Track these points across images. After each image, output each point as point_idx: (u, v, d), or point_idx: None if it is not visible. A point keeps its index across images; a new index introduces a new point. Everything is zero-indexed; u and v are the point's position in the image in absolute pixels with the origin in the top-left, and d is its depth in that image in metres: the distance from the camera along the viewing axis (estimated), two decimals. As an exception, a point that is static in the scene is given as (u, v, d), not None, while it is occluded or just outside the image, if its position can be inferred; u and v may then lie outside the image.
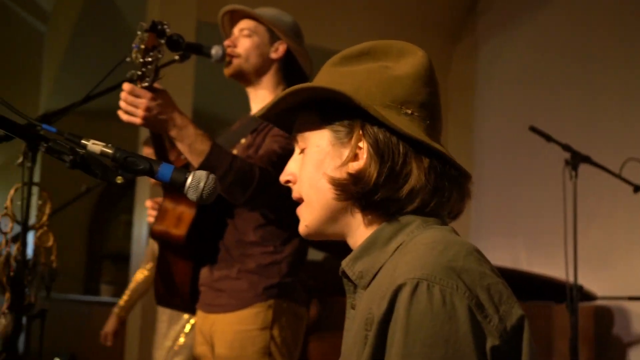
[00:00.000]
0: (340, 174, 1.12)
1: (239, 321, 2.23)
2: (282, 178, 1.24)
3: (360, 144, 1.11)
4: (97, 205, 9.19)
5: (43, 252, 1.99)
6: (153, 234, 2.31)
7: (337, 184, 1.12)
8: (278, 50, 2.40)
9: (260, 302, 2.23)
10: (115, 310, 3.74)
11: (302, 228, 1.21)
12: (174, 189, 2.27)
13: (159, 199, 2.39)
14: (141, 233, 4.89)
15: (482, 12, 6.27)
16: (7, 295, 1.90)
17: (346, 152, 1.13)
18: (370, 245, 1.12)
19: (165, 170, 1.16)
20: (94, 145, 1.15)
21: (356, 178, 1.10)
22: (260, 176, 2.08)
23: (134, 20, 6.29)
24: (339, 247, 3.94)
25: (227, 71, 2.38)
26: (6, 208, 1.92)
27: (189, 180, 1.16)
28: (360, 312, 1.07)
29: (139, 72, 1.97)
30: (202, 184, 1.16)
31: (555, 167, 3.54)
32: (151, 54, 1.95)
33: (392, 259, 1.08)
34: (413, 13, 6.05)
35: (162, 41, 2.00)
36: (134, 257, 5.05)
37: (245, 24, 2.41)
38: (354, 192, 1.11)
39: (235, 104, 6.86)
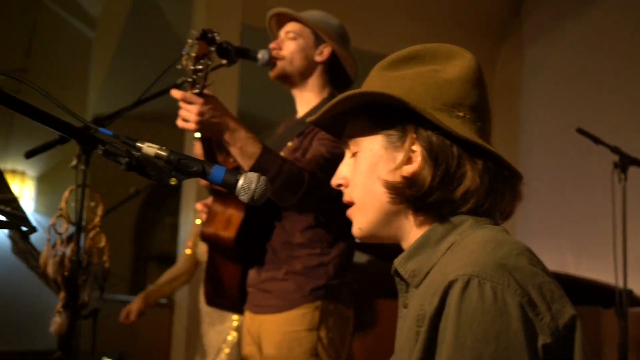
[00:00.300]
0: (394, 178, 1.14)
1: (287, 322, 2.25)
2: (334, 182, 1.25)
3: (414, 148, 1.12)
4: (142, 207, 9.32)
5: (96, 253, 2.04)
6: (203, 236, 2.35)
7: (392, 188, 1.13)
8: (323, 53, 2.42)
9: (308, 303, 2.25)
10: (142, 295, 3.72)
11: (356, 231, 1.23)
12: (223, 191, 2.31)
13: (208, 201, 2.43)
14: (187, 235, 4.95)
15: (528, 13, 6.20)
16: (62, 294, 1.95)
17: (399, 156, 1.14)
18: (422, 244, 1.13)
19: (218, 172, 1.18)
20: (149, 148, 1.18)
21: (411, 181, 1.11)
22: (309, 179, 2.10)
23: (179, 25, 6.39)
24: (383, 250, 3.92)
25: (272, 73, 2.41)
26: (61, 209, 1.97)
27: (241, 182, 1.18)
28: (412, 310, 1.08)
29: (190, 79, 2.01)
30: (253, 186, 1.18)
31: (603, 169, 3.48)
32: (201, 61, 1.99)
33: (443, 258, 1.09)
34: (457, 15, 6.02)
35: (212, 48, 2.04)
36: (180, 259, 5.11)
37: (291, 27, 2.44)
38: (408, 195, 1.12)
39: (279, 107, 6.92)
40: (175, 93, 2.03)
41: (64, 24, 8.34)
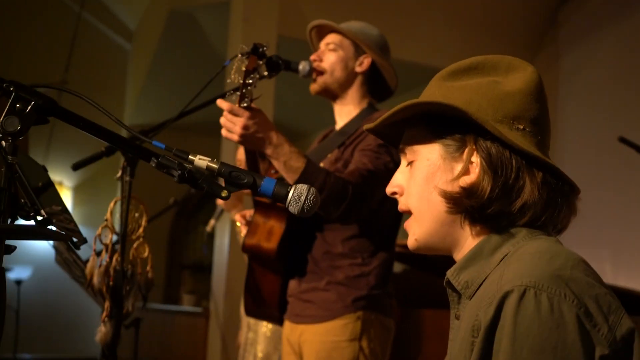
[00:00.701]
0: (452, 188, 1.14)
1: (328, 332, 2.25)
2: (389, 190, 1.25)
3: (473, 159, 1.12)
4: (176, 216, 9.41)
5: (139, 263, 2.07)
6: (244, 248, 2.36)
7: (450, 198, 1.14)
8: (363, 64, 2.43)
9: (349, 313, 2.25)
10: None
11: (412, 242, 1.23)
12: (265, 202, 2.32)
13: (246, 212, 2.44)
14: (223, 244, 4.99)
15: (563, 22, 6.14)
16: (107, 304, 1.97)
17: (457, 166, 1.14)
18: (475, 255, 1.13)
19: (268, 184, 1.19)
20: (200, 160, 1.20)
21: (469, 192, 1.11)
22: (352, 192, 2.11)
23: (215, 37, 6.46)
24: (420, 260, 3.88)
25: (314, 87, 2.43)
26: (106, 220, 2.00)
27: (291, 193, 1.19)
28: (466, 320, 1.08)
29: (239, 93, 2.03)
30: (303, 197, 1.19)
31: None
32: (252, 75, 2.02)
33: (497, 269, 1.09)
34: (493, 24, 5.99)
35: (261, 62, 2.06)
36: (215, 268, 5.15)
37: (331, 39, 2.45)
38: (467, 205, 1.12)
39: (312, 117, 6.95)
40: (222, 104, 2.05)
41: (102, 37, 8.47)
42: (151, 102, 7.91)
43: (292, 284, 2.39)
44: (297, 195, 1.19)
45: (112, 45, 8.69)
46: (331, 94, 2.45)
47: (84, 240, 1.40)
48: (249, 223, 2.59)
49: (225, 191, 1.19)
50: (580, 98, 5.93)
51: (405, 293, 3.72)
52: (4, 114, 1.13)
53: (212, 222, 3.75)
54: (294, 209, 1.20)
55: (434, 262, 4.15)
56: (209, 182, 1.19)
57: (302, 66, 2.35)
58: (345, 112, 2.47)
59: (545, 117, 1.17)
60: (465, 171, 1.13)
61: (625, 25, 5.54)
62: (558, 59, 6.14)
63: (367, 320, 2.26)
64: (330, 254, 2.32)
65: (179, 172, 1.17)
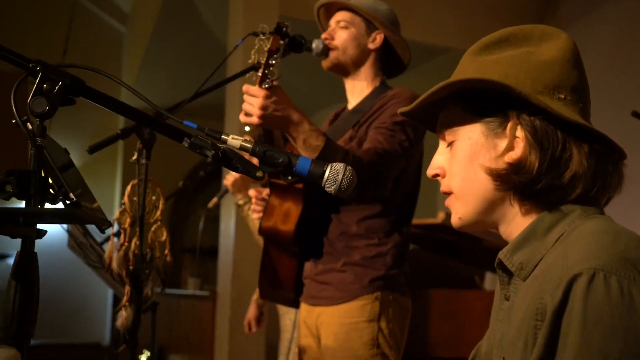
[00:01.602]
0: (498, 165, 1.11)
1: (346, 313, 2.24)
2: (430, 172, 1.23)
3: (517, 133, 1.09)
4: (175, 200, 9.37)
5: (158, 247, 2.04)
6: (261, 230, 2.34)
7: (497, 175, 1.11)
8: (375, 41, 2.39)
9: (367, 294, 2.23)
10: (254, 297, 3.74)
11: (456, 220, 1.20)
12: (281, 184, 2.30)
13: (262, 189, 2.42)
14: (229, 227, 4.96)
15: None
16: (127, 288, 1.95)
17: (501, 143, 1.11)
18: (529, 235, 1.11)
19: (304, 163, 1.17)
20: (234, 140, 1.17)
21: (517, 167, 1.08)
22: (369, 172, 2.08)
23: (213, 19, 6.39)
24: (429, 240, 3.87)
25: (325, 64, 2.39)
26: (123, 204, 1.98)
27: (327, 172, 1.16)
28: (524, 302, 1.06)
29: (260, 74, 2.00)
30: (340, 176, 1.16)
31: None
32: (275, 56, 1.98)
33: (553, 249, 1.07)
34: (492, 2, 5.95)
35: (282, 42, 2.03)
36: (222, 251, 5.13)
37: (341, 16, 2.41)
38: (516, 181, 1.09)
39: (312, 96, 6.90)
40: (244, 88, 2.02)
41: (98, 20, 8.40)
42: (148, 86, 7.84)
43: (308, 266, 2.37)
44: (334, 174, 1.16)
45: (107, 28, 8.62)
46: (343, 71, 2.41)
47: (109, 224, 1.37)
48: (263, 203, 2.57)
49: (260, 171, 1.16)
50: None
51: (415, 273, 3.72)
52: (31, 94, 1.10)
53: (214, 200, 3.73)
54: (330, 188, 1.17)
55: (442, 242, 4.14)
56: (243, 162, 1.16)
57: (315, 44, 2.31)
58: (358, 89, 2.43)
59: (585, 84, 1.14)
60: (510, 147, 1.10)
61: (625, 4, 5.50)
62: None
63: (385, 301, 2.25)
64: (346, 234, 2.29)
65: (213, 152, 1.14)
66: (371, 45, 2.39)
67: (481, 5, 5.88)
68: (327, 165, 1.17)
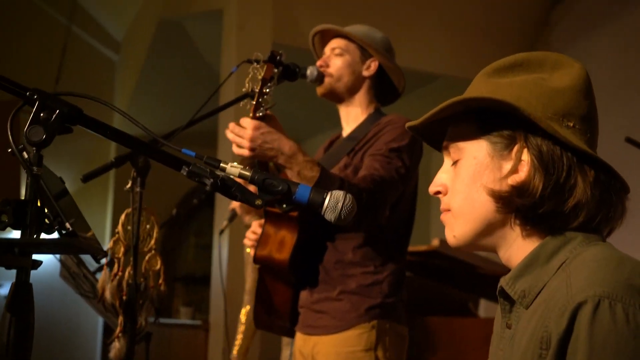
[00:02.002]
0: (501, 186, 1.11)
1: (342, 342, 2.21)
2: (432, 189, 1.22)
3: (523, 156, 1.09)
4: (167, 227, 9.33)
5: (152, 276, 2.02)
6: (256, 259, 2.32)
7: (499, 197, 1.10)
8: (370, 68, 2.40)
9: (363, 322, 2.21)
10: (234, 355, 3.67)
11: (450, 238, 1.19)
12: (275, 212, 2.28)
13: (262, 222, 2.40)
14: (222, 255, 4.93)
15: (555, 23, 6.16)
16: (120, 319, 1.92)
17: (506, 164, 1.11)
18: (531, 262, 1.10)
19: (303, 191, 1.15)
20: (232, 168, 1.16)
21: (520, 190, 1.08)
22: (367, 199, 2.07)
23: (205, 46, 6.41)
24: (422, 267, 3.83)
25: (320, 90, 2.39)
26: (117, 233, 1.95)
27: (327, 200, 1.15)
28: (527, 331, 1.05)
29: (254, 102, 1.99)
30: (340, 204, 1.15)
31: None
32: (269, 84, 1.98)
33: (556, 277, 1.06)
34: (485, 27, 6.00)
35: (276, 70, 2.03)
36: (214, 280, 5.09)
37: (336, 43, 2.42)
38: (519, 204, 1.09)
39: (306, 122, 6.91)
40: (232, 124, 2.01)
41: (90, 49, 8.42)
42: (141, 113, 7.83)
43: (304, 295, 2.35)
44: (334, 202, 1.15)
45: (100, 56, 8.64)
46: (338, 98, 2.41)
47: (104, 254, 1.35)
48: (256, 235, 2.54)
49: (259, 200, 1.14)
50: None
51: (409, 300, 3.70)
52: (28, 123, 1.09)
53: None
54: (330, 216, 1.15)
55: (436, 269, 4.12)
56: (242, 190, 1.14)
57: (310, 71, 2.32)
58: (352, 116, 2.43)
59: (594, 115, 1.14)
60: (515, 169, 1.09)
61: (616, 26, 5.56)
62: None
63: (382, 329, 2.22)
64: (342, 262, 2.27)
65: (211, 180, 1.13)
66: (366, 73, 2.40)
67: (475, 32, 5.93)
68: (327, 193, 1.16)
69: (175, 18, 6.29)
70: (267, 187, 1.15)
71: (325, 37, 2.47)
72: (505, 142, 1.11)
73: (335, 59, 2.39)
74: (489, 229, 1.14)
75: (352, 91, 2.40)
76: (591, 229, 1.09)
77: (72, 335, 8.44)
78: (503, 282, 1.13)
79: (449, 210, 1.19)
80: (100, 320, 8.24)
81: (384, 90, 2.46)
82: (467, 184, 1.15)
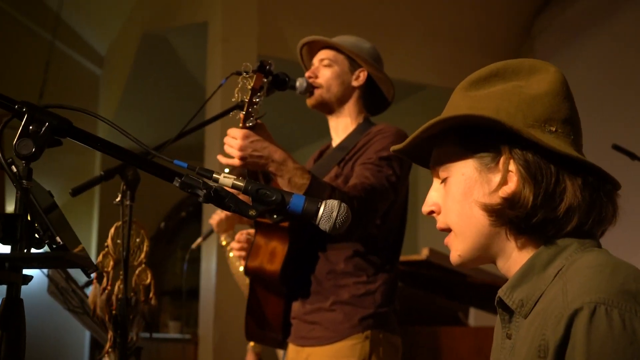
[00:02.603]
0: (493, 200, 1.10)
1: (336, 353, 2.19)
2: (425, 209, 1.21)
3: (510, 167, 1.09)
4: (153, 241, 9.26)
5: (142, 290, 1.99)
6: (247, 271, 2.30)
7: (492, 210, 1.10)
8: (359, 78, 2.40)
9: (357, 333, 2.19)
10: (250, 345, 3.65)
11: (455, 258, 1.19)
12: (266, 223, 2.26)
13: (251, 231, 2.39)
14: (210, 268, 4.90)
15: (539, 33, 6.20)
16: (110, 334, 1.90)
17: (494, 178, 1.11)
18: (527, 271, 1.10)
19: (297, 200, 1.14)
20: (225, 179, 1.14)
21: (511, 202, 1.08)
22: (358, 207, 2.06)
23: (190, 59, 6.39)
24: (411, 277, 3.81)
25: (310, 102, 2.38)
26: (106, 246, 1.93)
27: (322, 210, 1.14)
28: (526, 340, 1.04)
29: (244, 112, 1.99)
30: (335, 213, 1.14)
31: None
32: (259, 94, 1.97)
33: (553, 284, 1.05)
34: (470, 37, 6.04)
35: (266, 80, 2.03)
36: (203, 293, 5.05)
37: (324, 54, 2.42)
38: (511, 216, 1.08)
39: (295, 133, 6.90)
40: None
41: (74, 64, 8.38)
42: (125, 127, 7.70)
43: (296, 306, 2.33)
44: (329, 211, 1.14)
45: (84, 71, 8.60)
46: (328, 108, 2.41)
47: (95, 268, 1.33)
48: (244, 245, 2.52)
49: (253, 210, 1.13)
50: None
51: (400, 310, 3.69)
52: (17, 136, 1.07)
53: (199, 240, 3.68)
54: (325, 225, 1.14)
55: (426, 279, 4.11)
56: (235, 201, 1.13)
57: (299, 83, 2.31)
58: (342, 126, 2.43)
59: (575, 116, 1.14)
60: (504, 181, 1.09)
61: (600, 35, 5.61)
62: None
63: (376, 340, 2.21)
64: (334, 273, 2.26)
65: (205, 191, 1.11)
66: (355, 83, 2.40)
67: (457, 43, 5.97)
68: (322, 202, 1.14)
69: (159, 31, 6.27)
70: (261, 197, 1.13)
71: (313, 48, 2.47)
72: (492, 155, 1.11)
73: (324, 70, 2.39)
74: (487, 242, 1.14)
75: (341, 101, 2.40)
76: (585, 232, 1.09)
77: (59, 351, 8.34)
78: (501, 292, 1.13)
79: (447, 229, 1.19)
80: (87, 336, 8.15)
81: (373, 100, 2.46)
82: (458, 201, 1.15)
